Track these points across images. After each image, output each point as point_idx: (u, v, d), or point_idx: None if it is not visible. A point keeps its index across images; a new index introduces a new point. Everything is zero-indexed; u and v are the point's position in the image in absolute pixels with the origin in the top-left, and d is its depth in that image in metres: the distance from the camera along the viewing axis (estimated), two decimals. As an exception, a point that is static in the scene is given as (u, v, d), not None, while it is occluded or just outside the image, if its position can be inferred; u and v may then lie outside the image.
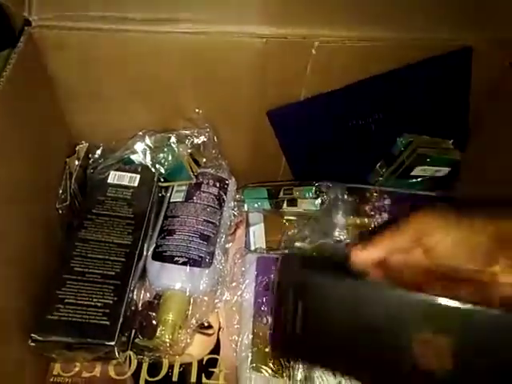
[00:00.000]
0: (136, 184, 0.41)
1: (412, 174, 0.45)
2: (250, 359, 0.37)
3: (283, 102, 0.40)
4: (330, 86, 0.39)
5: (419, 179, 0.46)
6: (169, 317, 0.37)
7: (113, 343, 0.34)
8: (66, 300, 0.35)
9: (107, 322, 0.34)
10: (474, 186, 0.45)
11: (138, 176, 0.42)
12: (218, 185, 0.43)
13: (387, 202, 0.46)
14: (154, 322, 0.38)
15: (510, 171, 0.39)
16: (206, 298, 0.39)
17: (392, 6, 0.36)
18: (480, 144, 0.43)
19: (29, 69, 0.34)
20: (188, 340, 0.38)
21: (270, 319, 0.39)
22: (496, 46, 0.37)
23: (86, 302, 0.35)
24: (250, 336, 0.38)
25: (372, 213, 0.46)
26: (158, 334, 0.37)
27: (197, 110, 0.40)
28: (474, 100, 0.41)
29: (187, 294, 0.38)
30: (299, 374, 0.38)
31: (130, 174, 0.42)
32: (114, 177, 0.41)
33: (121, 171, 0.42)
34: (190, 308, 0.39)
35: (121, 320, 0.35)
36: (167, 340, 0.36)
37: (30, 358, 0.35)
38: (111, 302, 0.35)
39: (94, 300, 0.35)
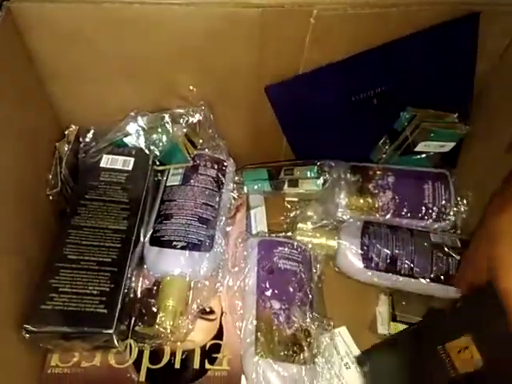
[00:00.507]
0: (130, 167, 0.40)
1: (416, 149, 0.43)
2: (254, 345, 0.36)
3: (282, 76, 0.38)
4: (330, 57, 0.37)
5: (423, 155, 0.44)
6: (169, 303, 0.36)
7: (111, 331, 0.32)
8: (61, 289, 0.33)
9: (104, 310, 0.33)
10: (479, 161, 0.44)
11: (133, 159, 0.40)
12: (216, 167, 0.42)
13: (391, 179, 0.45)
14: (154, 309, 0.37)
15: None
16: (206, 283, 0.38)
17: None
18: (484, 117, 0.41)
19: (9, 47, 0.32)
20: (190, 326, 0.37)
21: (273, 304, 0.38)
22: (505, 9, 0.35)
23: (81, 291, 0.34)
24: (254, 321, 0.37)
25: (376, 191, 0.44)
26: (158, 321, 0.35)
27: (191, 88, 0.38)
28: (480, 69, 0.39)
29: (187, 279, 0.37)
30: (305, 355, 0.37)
31: (123, 158, 0.40)
32: (106, 160, 0.40)
33: (114, 154, 0.40)
34: (191, 293, 0.37)
35: (118, 307, 0.33)
36: (168, 327, 0.35)
37: (26, 350, 0.33)
38: (108, 289, 0.34)
39: (90, 288, 0.34)
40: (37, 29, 0.34)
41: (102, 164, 0.39)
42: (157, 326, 0.35)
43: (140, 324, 0.37)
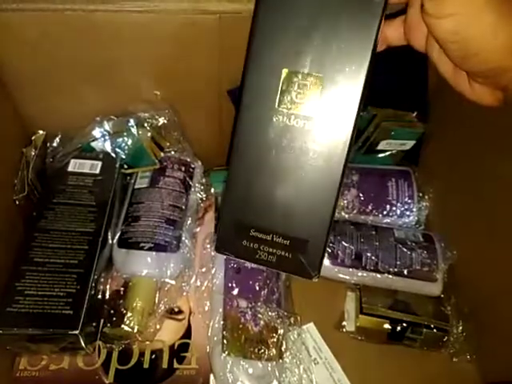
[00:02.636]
0: (98, 171, 0.40)
1: (378, 148, 0.45)
2: (221, 343, 0.37)
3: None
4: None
5: (386, 153, 0.46)
6: (136, 303, 0.36)
7: (76, 332, 0.33)
8: (27, 291, 0.34)
9: (70, 311, 0.34)
10: (439, 157, 0.45)
11: (100, 163, 0.41)
12: (183, 169, 0.42)
13: (355, 177, 0.46)
14: (123, 309, 0.37)
15: (471, 140, 0.40)
16: (173, 283, 0.38)
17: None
18: (441, 115, 0.43)
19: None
20: (157, 326, 0.37)
21: (239, 303, 0.39)
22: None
23: (47, 293, 0.34)
24: (222, 320, 0.38)
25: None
26: (125, 321, 0.36)
27: (155, 92, 0.39)
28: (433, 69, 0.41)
29: (154, 279, 0.38)
30: (272, 352, 0.37)
31: (91, 162, 0.41)
32: (74, 165, 0.40)
33: (81, 159, 0.41)
34: (158, 294, 0.38)
35: (85, 308, 0.34)
36: (136, 326, 0.36)
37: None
38: (74, 290, 0.34)
39: (56, 290, 0.34)
40: (0, 36, 0.34)
41: (70, 168, 0.40)
42: (125, 327, 0.36)
43: (109, 325, 0.37)
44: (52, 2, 0.33)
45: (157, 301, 0.38)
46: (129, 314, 0.36)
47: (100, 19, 0.34)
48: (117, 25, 0.35)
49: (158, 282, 0.38)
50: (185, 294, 0.39)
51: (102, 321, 0.38)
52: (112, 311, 0.38)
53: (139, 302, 0.36)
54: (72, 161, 0.40)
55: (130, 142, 0.39)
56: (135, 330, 0.36)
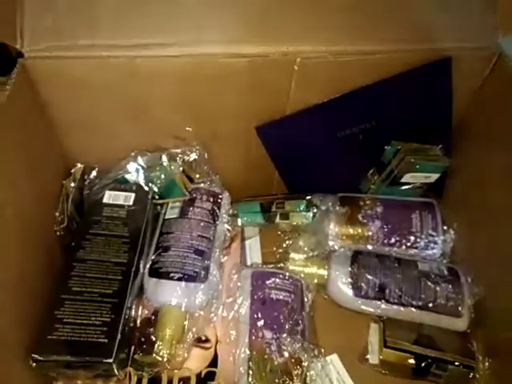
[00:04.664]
0: (131, 203, 0.42)
1: (402, 180, 0.45)
2: (247, 373, 0.38)
3: (271, 117, 0.41)
4: (314, 99, 0.40)
5: (410, 186, 0.46)
6: (166, 332, 0.38)
7: (111, 360, 0.34)
8: (65, 320, 0.36)
9: (105, 340, 0.35)
10: (463, 190, 0.45)
11: (133, 194, 0.43)
12: (211, 199, 0.44)
13: (379, 209, 0.46)
14: (153, 337, 0.39)
15: (496, 172, 0.40)
16: (202, 313, 0.39)
17: (370, 20, 0.37)
18: (466, 149, 0.43)
19: (23, 98, 0.36)
20: (185, 354, 0.39)
21: (265, 334, 0.39)
22: (475, 54, 0.38)
23: (84, 321, 0.36)
24: (247, 351, 0.39)
25: (365, 221, 0.46)
26: (155, 350, 0.37)
27: (187, 129, 0.41)
28: (458, 106, 0.42)
29: (183, 309, 0.39)
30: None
31: (124, 193, 0.43)
32: (109, 196, 0.42)
33: (116, 190, 0.43)
34: (187, 323, 0.39)
35: (118, 337, 0.35)
36: (165, 355, 0.37)
37: (32, 378, 0.36)
38: (109, 319, 0.36)
39: (92, 318, 0.36)
40: (49, 81, 0.37)
41: (105, 200, 0.42)
42: (154, 355, 0.37)
43: (139, 352, 0.39)
44: (97, 51, 0.36)
45: (185, 330, 0.39)
46: (159, 343, 0.37)
47: (140, 64, 0.37)
48: (155, 69, 0.37)
49: (186, 311, 0.39)
50: (212, 323, 0.40)
51: (133, 347, 0.39)
52: (142, 339, 0.39)
53: (169, 331, 0.38)
54: (107, 193, 0.42)
55: (162, 175, 0.41)
56: (165, 359, 0.37)
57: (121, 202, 0.42)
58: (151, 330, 0.39)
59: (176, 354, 0.38)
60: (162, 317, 0.39)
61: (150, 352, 0.38)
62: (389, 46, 0.37)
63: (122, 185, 0.43)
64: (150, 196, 0.43)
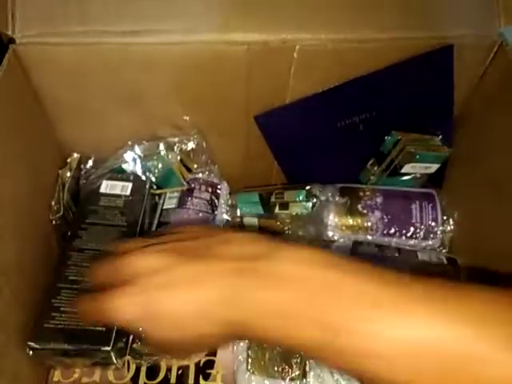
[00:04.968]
0: (128, 192, 0.42)
1: (402, 171, 0.45)
2: (246, 362, 0.38)
3: (270, 105, 0.40)
4: (314, 88, 0.39)
5: (410, 176, 0.46)
6: None
7: (108, 348, 0.34)
8: (62, 308, 0.36)
9: (103, 328, 0.35)
10: (463, 181, 0.45)
11: (130, 184, 0.42)
12: (210, 190, 0.44)
13: (379, 199, 0.46)
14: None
15: (496, 164, 0.40)
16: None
17: (370, 7, 0.36)
18: (466, 139, 0.43)
19: (15, 85, 0.35)
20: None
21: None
22: (476, 42, 0.37)
23: (81, 310, 0.36)
24: (246, 339, 0.39)
25: (364, 211, 0.46)
26: None
27: (185, 118, 0.41)
28: (459, 95, 0.41)
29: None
30: (295, 372, 0.38)
31: (122, 183, 0.42)
32: (106, 186, 0.42)
33: (113, 180, 0.42)
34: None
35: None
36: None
37: (29, 366, 0.36)
38: (106, 309, 0.36)
39: (90, 307, 0.36)
40: (41, 67, 0.36)
41: (102, 189, 0.42)
42: None
43: (138, 341, 0.39)
44: (90, 37, 0.35)
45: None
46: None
47: (134, 51, 0.36)
48: (149, 56, 0.36)
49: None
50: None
51: (132, 336, 0.39)
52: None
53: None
54: (104, 182, 0.42)
55: (159, 165, 0.41)
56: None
57: (118, 192, 0.42)
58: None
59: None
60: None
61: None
62: (390, 33, 0.37)
63: (119, 174, 0.43)
64: (147, 186, 0.43)
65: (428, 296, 0.20)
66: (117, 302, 0.23)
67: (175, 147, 0.41)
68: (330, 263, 0.21)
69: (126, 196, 0.42)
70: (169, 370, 0.39)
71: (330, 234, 0.46)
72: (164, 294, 0.23)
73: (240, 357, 0.39)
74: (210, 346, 0.24)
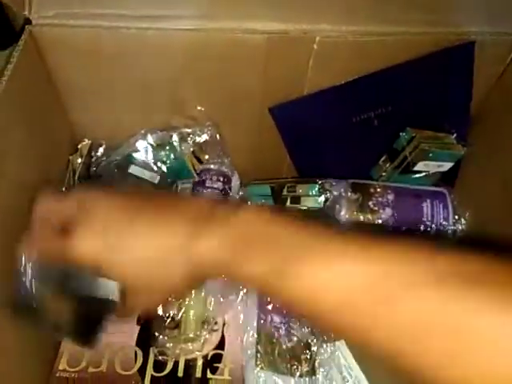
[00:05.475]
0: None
1: (415, 169, 0.45)
2: (255, 357, 0.38)
3: (285, 98, 0.40)
4: (332, 81, 0.39)
5: (422, 174, 0.46)
6: (190, 313, 0.38)
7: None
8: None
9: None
10: (477, 180, 0.45)
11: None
12: (222, 179, 0.43)
13: (391, 197, 0.46)
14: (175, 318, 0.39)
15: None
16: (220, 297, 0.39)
17: (392, 0, 0.35)
18: (482, 138, 0.43)
19: (30, 66, 0.35)
20: (207, 336, 0.39)
21: (274, 318, 0.39)
22: (497, 39, 0.37)
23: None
24: (255, 334, 0.39)
25: (376, 208, 0.45)
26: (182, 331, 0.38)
27: (199, 108, 0.40)
28: (476, 93, 0.41)
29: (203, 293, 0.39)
30: (304, 369, 0.38)
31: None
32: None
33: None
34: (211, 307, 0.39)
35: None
36: (191, 335, 0.38)
37: (34, 353, 0.35)
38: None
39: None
40: (56, 49, 0.36)
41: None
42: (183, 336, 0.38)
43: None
44: (107, 20, 0.34)
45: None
46: (184, 325, 0.38)
47: (152, 36, 0.35)
48: (166, 41, 0.36)
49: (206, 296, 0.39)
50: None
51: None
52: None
53: (192, 312, 0.38)
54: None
55: (171, 155, 0.40)
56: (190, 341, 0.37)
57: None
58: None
59: (201, 334, 0.38)
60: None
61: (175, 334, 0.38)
62: (410, 27, 0.36)
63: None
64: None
65: (355, 241, 0.22)
66: (77, 239, 0.24)
67: (188, 138, 0.40)
68: (274, 219, 0.24)
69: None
70: (176, 362, 0.39)
71: (341, 229, 0.45)
72: (125, 230, 0.24)
73: (249, 351, 0.38)
74: (173, 286, 0.25)
